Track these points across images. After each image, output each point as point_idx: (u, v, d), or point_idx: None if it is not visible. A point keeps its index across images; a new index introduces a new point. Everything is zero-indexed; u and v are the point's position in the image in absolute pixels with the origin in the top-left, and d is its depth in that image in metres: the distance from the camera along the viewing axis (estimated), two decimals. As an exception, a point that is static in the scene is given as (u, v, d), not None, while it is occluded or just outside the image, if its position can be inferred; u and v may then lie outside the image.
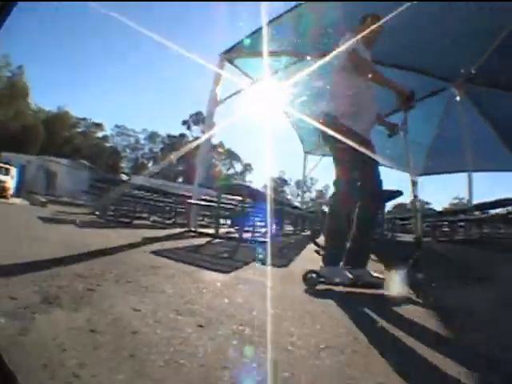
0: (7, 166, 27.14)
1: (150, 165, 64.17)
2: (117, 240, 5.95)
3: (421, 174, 17.21)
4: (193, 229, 9.95)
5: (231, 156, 67.29)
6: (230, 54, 11.09)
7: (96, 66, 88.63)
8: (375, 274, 3.66)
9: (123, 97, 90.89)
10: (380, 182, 3.87)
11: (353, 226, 3.80)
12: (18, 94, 49.19)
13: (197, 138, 61.99)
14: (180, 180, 57.56)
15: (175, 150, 59.70)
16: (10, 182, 25.05)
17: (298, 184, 61.93)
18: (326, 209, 6.53)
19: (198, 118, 64.50)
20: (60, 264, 3.37)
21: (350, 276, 3.56)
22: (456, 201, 49.18)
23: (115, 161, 60.17)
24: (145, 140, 66.36)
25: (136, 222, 11.31)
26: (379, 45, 4.25)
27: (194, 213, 10.93)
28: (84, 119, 60.80)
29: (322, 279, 3.59)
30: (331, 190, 3.93)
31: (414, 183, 3.92)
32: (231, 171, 67.51)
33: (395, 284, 3.43)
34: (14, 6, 1.57)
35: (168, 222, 13.46)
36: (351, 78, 3.81)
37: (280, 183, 66.76)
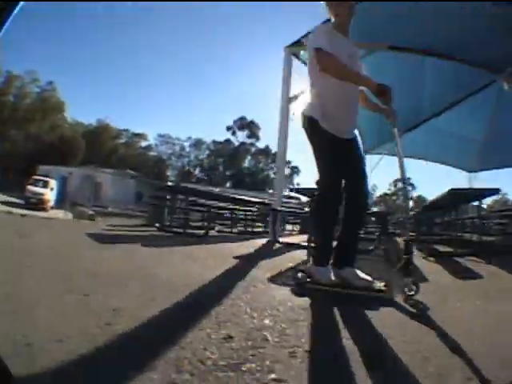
0: (45, 179, 27.79)
1: (196, 172, 65.78)
2: (211, 265, 4.68)
3: (474, 171, 16.81)
4: (280, 240, 8.64)
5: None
6: (296, 48, 10.03)
7: (134, 77, 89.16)
8: (362, 276, 3.60)
9: (165, 106, 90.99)
10: (365, 181, 3.90)
11: (339, 226, 3.88)
12: (53, 109, 51.01)
13: (242, 144, 65.53)
14: (228, 185, 58.08)
15: (221, 157, 62.14)
16: (49, 194, 25.62)
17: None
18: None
19: (242, 123, 65.67)
20: (168, 341, 2.00)
21: (334, 278, 3.61)
22: (498, 197, 47.06)
23: (161, 169, 61.11)
24: (190, 147, 67.27)
25: (190, 231, 9.55)
26: (425, 34, 4.88)
27: (278, 222, 9.63)
28: (126, 130, 62.26)
29: (309, 279, 3.62)
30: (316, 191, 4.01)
31: (405, 181, 3.91)
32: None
33: (382, 287, 3.47)
34: (16, 6, 1.49)
35: (234, 230, 12.07)
36: (324, 75, 3.66)
37: None
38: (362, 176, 3.86)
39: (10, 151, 43.37)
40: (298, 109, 9.90)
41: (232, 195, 13.89)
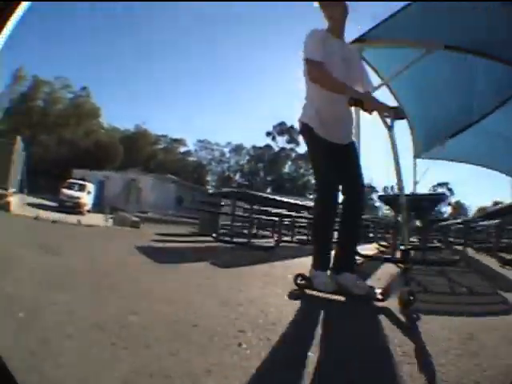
0: (82, 182, 27.60)
1: (236, 177, 65.50)
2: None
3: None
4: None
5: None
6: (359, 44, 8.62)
7: (172, 82, 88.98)
8: (360, 283, 3.58)
9: (203, 111, 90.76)
10: (361, 187, 3.95)
11: (338, 231, 3.92)
12: (88, 114, 52.10)
13: (282, 149, 66.08)
14: (268, 190, 57.77)
15: (261, 162, 62.27)
16: (86, 198, 25.29)
17: (385, 190, 59.20)
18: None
19: (281, 129, 65.40)
20: None
21: (333, 283, 3.60)
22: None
23: (200, 175, 61.37)
24: (230, 153, 67.26)
25: (255, 242, 8.51)
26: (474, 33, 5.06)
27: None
28: (164, 136, 62.62)
29: (308, 283, 3.68)
30: None
31: (401, 186, 3.72)
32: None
33: (379, 295, 3.40)
34: (17, 7, 1.50)
35: (294, 239, 11.19)
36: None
37: (369, 190, 62.98)
38: (358, 182, 3.90)
39: (41, 156, 43.38)
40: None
41: (295, 201, 12.65)
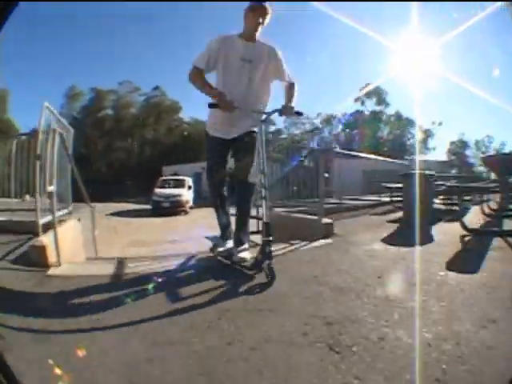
0: (178, 177, 25.29)
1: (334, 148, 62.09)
2: None
3: None
4: None
5: (409, 124, 61.13)
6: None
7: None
8: (241, 255, 3.97)
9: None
10: (246, 172, 4.25)
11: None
12: (167, 111, 51.39)
13: (373, 112, 61.91)
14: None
15: (356, 128, 60.21)
16: (187, 195, 22.34)
17: (478, 145, 56.14)
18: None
19: (369, 92, 60.86)
20: None
21: (221, 250, 4.33)
22: None
23: (295, 150, 58.05)
24: (322, 124, 63.84)
25: None
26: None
27: None
28: None
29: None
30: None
31: (261, 123, 4.05)
32: (412, 141, 60.95)
33: (251, 266, 3.67)
34: (14, 7, 1.65)
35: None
36: None
37: (461, 146, 58.72)
38: (243, 169, 4.26)
39: (123, 161, 44.45)
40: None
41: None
